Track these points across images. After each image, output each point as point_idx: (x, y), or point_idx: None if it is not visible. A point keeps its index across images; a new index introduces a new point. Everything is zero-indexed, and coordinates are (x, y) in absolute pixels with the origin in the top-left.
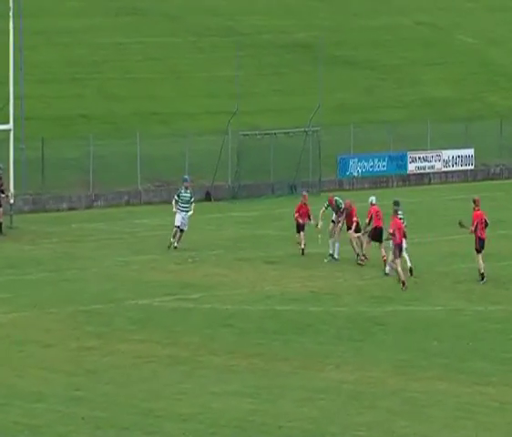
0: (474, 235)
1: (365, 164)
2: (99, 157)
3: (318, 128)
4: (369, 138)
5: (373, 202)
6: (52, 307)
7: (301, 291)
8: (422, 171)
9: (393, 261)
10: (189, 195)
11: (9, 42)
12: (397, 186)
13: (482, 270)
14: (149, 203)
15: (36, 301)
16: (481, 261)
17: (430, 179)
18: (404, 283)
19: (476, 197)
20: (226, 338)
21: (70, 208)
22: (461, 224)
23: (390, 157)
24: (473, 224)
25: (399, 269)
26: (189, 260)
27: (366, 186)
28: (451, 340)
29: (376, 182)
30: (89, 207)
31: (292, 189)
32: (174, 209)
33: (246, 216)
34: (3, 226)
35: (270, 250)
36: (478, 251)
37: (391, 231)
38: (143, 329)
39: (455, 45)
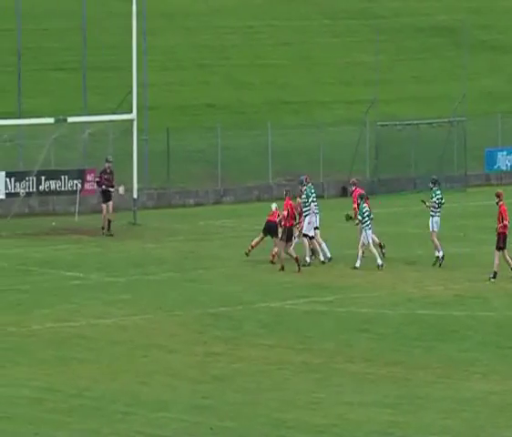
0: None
1: None
2: (227, 150)
3: (463, 118)
4: None
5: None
6: (177, 309)
7: (444, 294)
8: None
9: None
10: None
11: (132, 26)
12: None
13: (496, 269)
14: (281, 199)
15: (161, 303)
16: (497, 260)
17: None
18: (283, 268)
19: (500, 190)
20: (363, 344)
21: (197, 204)
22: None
23: None
24: (506, 218)
25: (283, 254)
26: (325, 260)
27: None
28: None
29: None
30: (217, 202)
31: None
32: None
33: (385, 212)
34: (111, 224)
35: (410, 250)
36: (500, 249)
37: (285, 213)
38: (274, 333)
39: None
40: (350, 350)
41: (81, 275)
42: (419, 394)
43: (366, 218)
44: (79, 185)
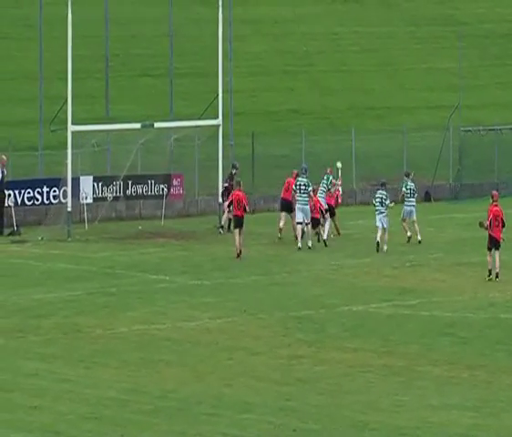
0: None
1: None
2: (311, 155)
3: None
4: None
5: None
6: (261, 312)
7: None
8: None
9: None
10: None
11: (218, 32)
12: None
13: (490, 267)
14: (365, 203)
15: (245, 306)
16: (489, 259)
17: None
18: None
19: (494, 191)
20: (446, 347)
21: None
22: (481, 224)
23: None
24: (488, 219)
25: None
26: (407, 264)
27: None
28: None
29: None
30: None
31: None
32: None
33: (468, 217)
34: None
35: None
36: (489, 249)
37: (225, 204)
38: (357, 336)
39: None
40: (433, 354)
41: (167, 278)
42: (501, 397)
43: None
44: (166, 189)
